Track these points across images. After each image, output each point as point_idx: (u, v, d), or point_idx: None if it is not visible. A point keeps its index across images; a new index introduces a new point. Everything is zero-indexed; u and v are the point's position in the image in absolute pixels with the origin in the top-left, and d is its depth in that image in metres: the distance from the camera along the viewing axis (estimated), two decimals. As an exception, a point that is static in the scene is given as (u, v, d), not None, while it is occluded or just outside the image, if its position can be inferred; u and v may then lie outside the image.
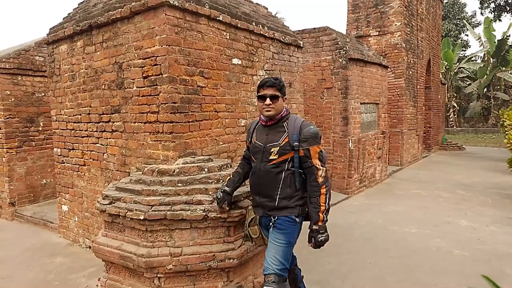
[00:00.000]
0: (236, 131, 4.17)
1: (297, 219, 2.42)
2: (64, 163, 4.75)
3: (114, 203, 3.03)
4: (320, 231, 2.34)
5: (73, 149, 4.57)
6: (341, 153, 7.14)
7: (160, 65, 3.37)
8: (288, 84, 5.12)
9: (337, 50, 7.02)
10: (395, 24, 9.87)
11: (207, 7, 3.65)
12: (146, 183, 3.12)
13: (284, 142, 2.40)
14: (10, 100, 5.90)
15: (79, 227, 4.66)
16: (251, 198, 2.69)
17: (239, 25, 4.07)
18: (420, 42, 11.28)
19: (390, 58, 9.99)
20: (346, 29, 10.74)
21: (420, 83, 11.60)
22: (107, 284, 3.07)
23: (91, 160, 4.32)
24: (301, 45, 5.37)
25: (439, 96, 14.57)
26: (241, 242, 2.85)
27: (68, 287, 3.58)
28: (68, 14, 4.65)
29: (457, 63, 24.30)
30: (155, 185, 3.06)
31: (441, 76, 15.42)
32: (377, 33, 10.18)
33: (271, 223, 2.43)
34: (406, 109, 10.42)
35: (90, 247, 4.41)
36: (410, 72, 10.62)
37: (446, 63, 21.80)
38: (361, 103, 7.45)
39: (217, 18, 3.77)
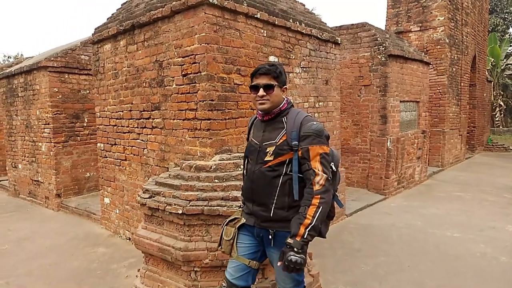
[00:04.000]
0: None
1: None
2: (106, 157, 4.96)
3: (154, 197, 3.13)
4: (295, 248, 1.83)
5: (115, 144, 4.76)
6: (379, 153, 6.95)
7: (199, 63, 3.43)
8: (324, 82, 5.04)
9: (376, 47, 6.83)
10: (438, 19, 9.45)
11: (245, 4, 3.67)
12: (184, 178, 3.19)
13: (281, 141, 2.00)
14: (57, 97, 6.24)
15: (120, 219, 4.85)
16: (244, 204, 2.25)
17: (276, 22, 4.06)
18: (464, 37, 10.73)
19: (432, 54, 9.58)
20: (385, 25, 10.42)
21: (464, 81, 11.05)
22: (146, 275, 3.18)
23: (132, 155, 4.48)
24: (339, 42, 5.27)
25: (484, 94, 13.81)
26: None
27: (110, 276, 3.74)
28: (112, 14, 4.83)
29: (505, 60, 22.84)
30: (192, 180, 3.13)
31: (487, 73, 14.60)
32: (419, 28, 9.79)
33: (270, 237, 2.05)
34: (448, 107, 9.96)
35: (130, 239, 4.58)
36: (454, 69, 10.13)
37: (493, 59, 20.55)
38: (400, 101, 7.21)
39: (255, 16, 3.78)
